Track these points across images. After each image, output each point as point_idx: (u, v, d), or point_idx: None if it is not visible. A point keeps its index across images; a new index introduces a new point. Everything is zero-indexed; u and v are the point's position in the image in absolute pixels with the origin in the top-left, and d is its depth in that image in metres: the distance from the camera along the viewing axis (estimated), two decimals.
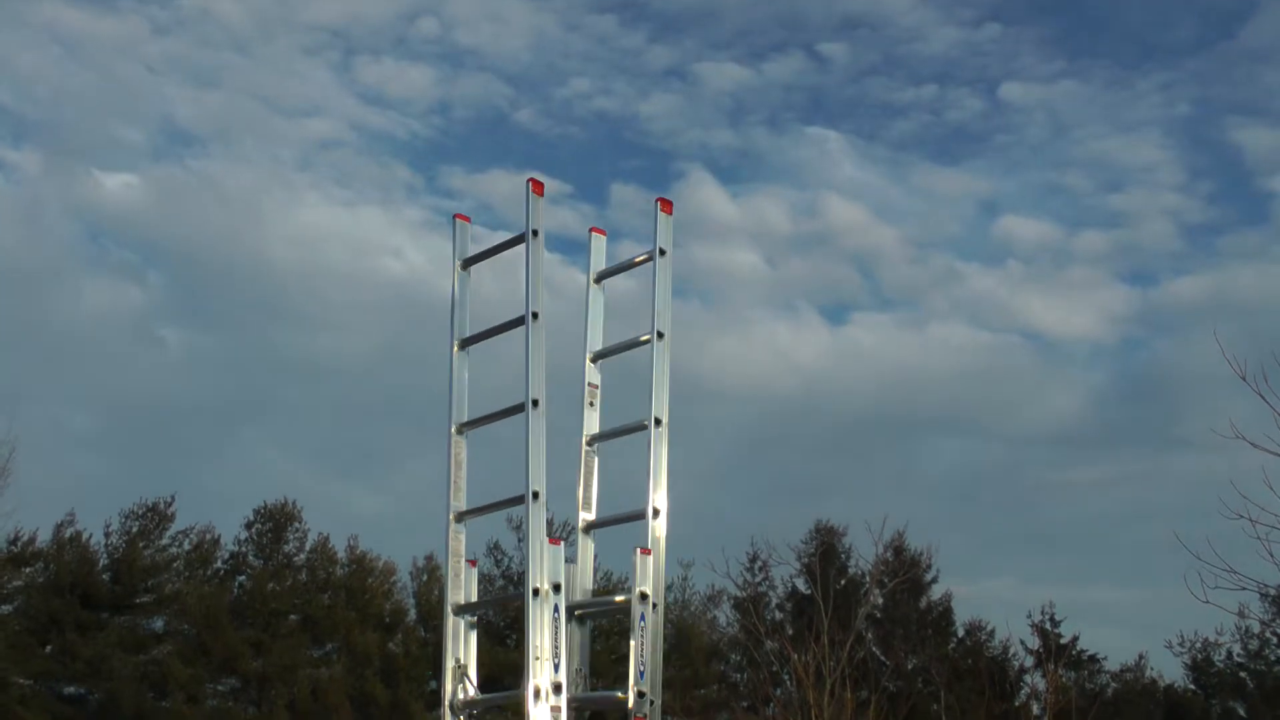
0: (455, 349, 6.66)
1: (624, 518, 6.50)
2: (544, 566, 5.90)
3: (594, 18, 74.23)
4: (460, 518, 6.42)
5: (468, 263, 6.81)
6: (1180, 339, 67.72)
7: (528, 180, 6.48)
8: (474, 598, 6.47)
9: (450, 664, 6.23)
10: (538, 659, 5.70)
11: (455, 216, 6.92)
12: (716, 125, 75.07)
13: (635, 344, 6.71)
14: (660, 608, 6.03)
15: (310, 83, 71.92)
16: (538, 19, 74.31)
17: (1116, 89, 73.86)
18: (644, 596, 5.94)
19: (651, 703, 5.83)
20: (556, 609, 5.87)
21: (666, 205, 6.68)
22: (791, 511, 51.40)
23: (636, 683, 5.81)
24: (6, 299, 57.87)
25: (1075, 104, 72.95)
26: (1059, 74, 75.62)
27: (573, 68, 73.92)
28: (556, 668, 5.75)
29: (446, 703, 6.19)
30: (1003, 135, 75.04)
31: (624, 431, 6.67)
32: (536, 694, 5.65)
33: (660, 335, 6.47)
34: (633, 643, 5.89)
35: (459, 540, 6.41)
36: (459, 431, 6.52)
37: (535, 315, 6.18)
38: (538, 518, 5.98)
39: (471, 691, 6.23)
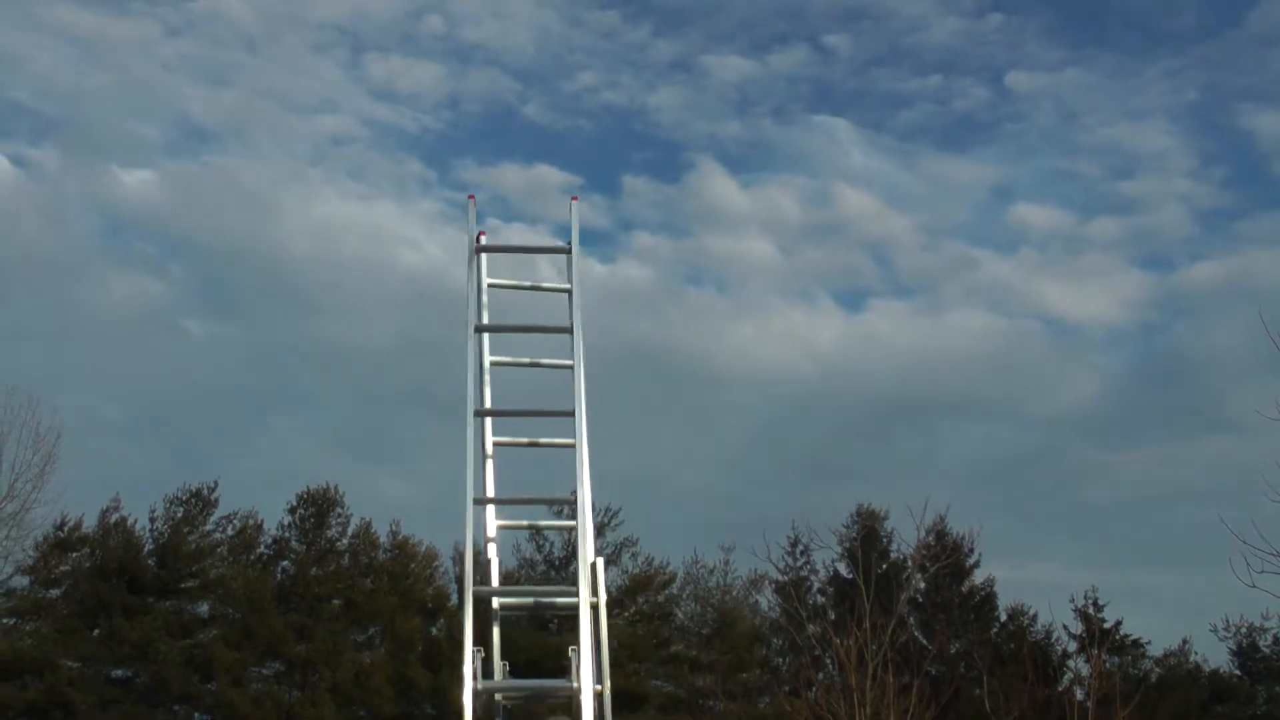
0: (472, 333, 6.73)
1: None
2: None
3: (597, 13, 74.73)
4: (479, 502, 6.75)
5: (482, 250, 7.01)
6: (1200, 323, 67.49)
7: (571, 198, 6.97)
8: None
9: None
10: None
11: (469, 197, 7.12)
12: (724, 117, 75.47)
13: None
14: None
15: (321, 80, 72.78)
16: (541, 15, 74.61)
17: (1123, 76, 73.72)
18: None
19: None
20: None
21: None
22: (815, 496, 51.73)
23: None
24: (33, 293, 58.74)
25: (1082, 92, 73.05)
26: (1064, 62, 75.80)
27: (579, 61, 74.26)
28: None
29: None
30: (1011, 123, 75.16)
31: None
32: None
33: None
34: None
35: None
36: (478, 415, 6.71)
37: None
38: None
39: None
